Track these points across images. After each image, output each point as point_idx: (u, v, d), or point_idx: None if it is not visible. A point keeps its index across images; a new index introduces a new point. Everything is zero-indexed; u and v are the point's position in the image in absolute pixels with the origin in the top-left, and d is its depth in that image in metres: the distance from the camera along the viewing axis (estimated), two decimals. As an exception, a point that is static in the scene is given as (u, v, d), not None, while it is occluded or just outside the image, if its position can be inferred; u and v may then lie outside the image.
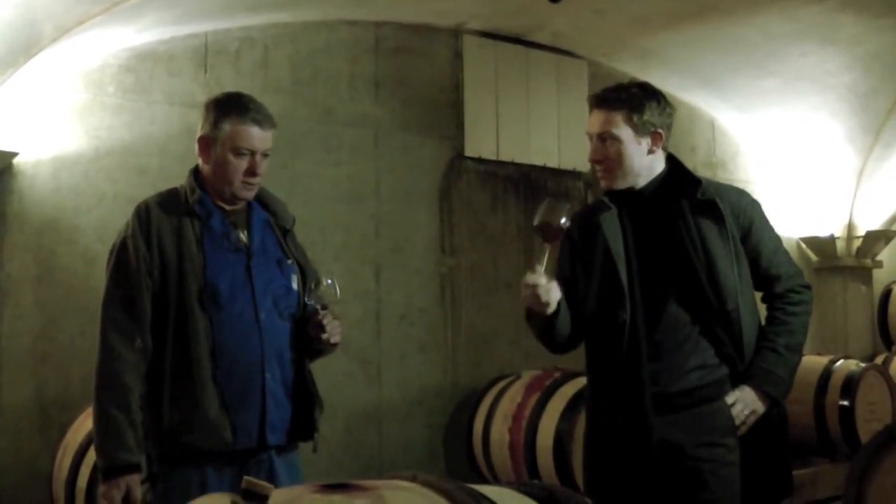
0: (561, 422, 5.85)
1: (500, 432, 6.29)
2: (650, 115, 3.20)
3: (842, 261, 10.00)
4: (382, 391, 6.89)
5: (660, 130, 3.23)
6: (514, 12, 7.36)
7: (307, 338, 3.29)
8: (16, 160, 5.58)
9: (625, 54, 8.34)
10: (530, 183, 7.99)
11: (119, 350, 3.06)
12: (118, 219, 5.82)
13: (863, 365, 7.74)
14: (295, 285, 3.30)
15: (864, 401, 7.49)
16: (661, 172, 3.30)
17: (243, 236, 3.25)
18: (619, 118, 3.18)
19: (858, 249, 9.99)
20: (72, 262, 5.82)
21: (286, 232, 3.39)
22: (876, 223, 10.00)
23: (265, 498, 1.61)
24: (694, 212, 3.18)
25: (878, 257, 10.23)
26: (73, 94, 5.86)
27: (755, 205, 3.33)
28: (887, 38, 7.88)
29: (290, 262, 3.32)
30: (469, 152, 7.62)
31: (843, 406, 7.49)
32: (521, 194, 7.93)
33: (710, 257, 3.13)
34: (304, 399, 3.29)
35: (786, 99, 8.86)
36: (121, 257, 3.17)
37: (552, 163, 8.05)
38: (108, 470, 2.99)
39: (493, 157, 7.75)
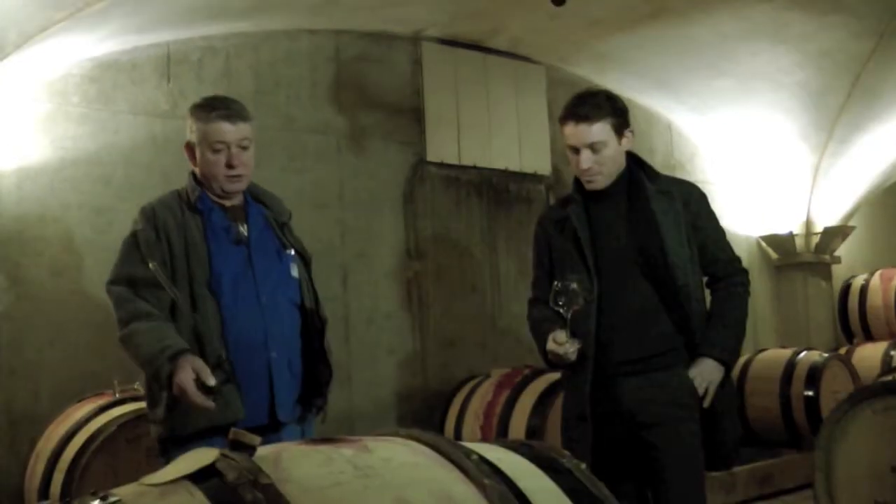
0: (532, 417, 5.89)
1: (472, 430, 6.32)
2: (622, 115, 3.52)
3: (801, 257, 10.18)
4: (353, 395, 6.90)
5: (630, 128, 3.55)
6: (471, 17, 7.44)
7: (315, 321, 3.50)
8: (-21, 171, 5.57)
9: (581, 58, 8.44)
10: (493, 186, 8.07)
11: (130, 297, 3.22)
12: (84, 229, 5.91)
13: (826, 355, 7.85)
14: (295, 273, 3.49)
15: (828, 390, 7.59)
16: (623, 169, 3.58)
17: (243, 230, 3.44)
18: (606, 127, 3.45)
19: (817, 245, 10.17)
20: (38, 274, 5.80)
21: (283, 224, 3.58)
22: (833, 219, 10.17)
23: (252, 448, 1.65)
24: (651, 200, 3.48)
25: (836, 253, 10.42)
26: (36, 103, 5.85)
27: (703, 197, 3.64)
28: (836, 35, 8.04)
29: (288, 251, 3.52)
30: (431, 157, 7.70)
31: (808, 396, 7.59)
32: (484, 198, 8.00)
33: (664, 240, 3.43)
34: (314, 376, 3.47)
35: (740, 99, 9.00)
36: (132, 244, 3.32)
37: (513, 166, 8.14)
38: (172, 356, 3.05)
39: (456, 162, 7.83)
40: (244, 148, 3.40)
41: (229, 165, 3.36)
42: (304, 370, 3.46)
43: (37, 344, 5.75)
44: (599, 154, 3.45)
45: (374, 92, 7.49)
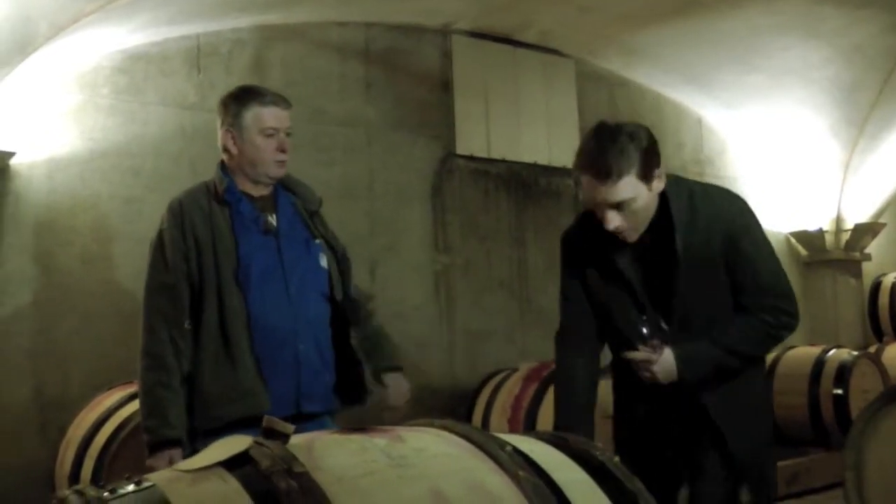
0: (559, 411, 5.86)
1: (499, 424, 6.31)
2: (649, 156, 2.96)
3: (831, 254, 10.06)
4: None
5: (659, 166, 3.00)
6: (500, 10, 7.43)
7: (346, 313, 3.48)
8: (11, 161, 5.61)
9: (610, 52, 8.40)
10: (521, 180, 8.05)
11: (162, 333, 3.24)
12: (114, 219, 5.95)
13: (855, 353, 7.78)
14: (324, 263, 3.46)
15: (857, 389, 7.52)
16: (656, 211, 3.08)
17: (272, 220, 3.42)
18: (632, 180, 2.91)
19: (847, 243, 10.06)
20: (68, 263, 5.85)
21: (313, 213, 3.56)
22: (863, 216, 10.06)
23: (286, 437, 1.64)
24: (677, 240, 3.04)
25: (867, 250, 10.30)
26: (67, 95, 5.90)
27: (743, 228, 3.12)
28: (868, 29, 7.96)
29: (317, 241, 3.48)
30: (460, 150, 7.69)
31: (836, 395, 7.53)
32: (513, 191, 7.99)
33: (690, 286, 3.05)
34: (349, 366, 3.45)
35: (771, 94, 8.93)
36: (158, 249, 3.34)
37: (542, 160, 8.12)
38: (154, 445, 3.16)
39: (484, 155, 7.82)
40: (288, 135, 3.44)
41: (281, 150, 3.38)
42: (339, 361, 3.44)
43: (67, 332, 5.80)
44: (628, 210, 2.95)
45: (403, 84, 7.49)
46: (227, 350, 3.22)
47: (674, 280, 3.06)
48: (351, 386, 3.46)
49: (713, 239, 3.06)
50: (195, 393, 3.24)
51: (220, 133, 3.44)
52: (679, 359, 3.05)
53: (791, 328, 3.16)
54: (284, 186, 3.53)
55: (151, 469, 3.06)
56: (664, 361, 3.05)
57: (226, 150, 3.43)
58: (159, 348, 3.22)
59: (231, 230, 3.31)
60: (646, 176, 2.93)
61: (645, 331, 3.10)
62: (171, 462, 3.07)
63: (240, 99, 3.41)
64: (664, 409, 3.21)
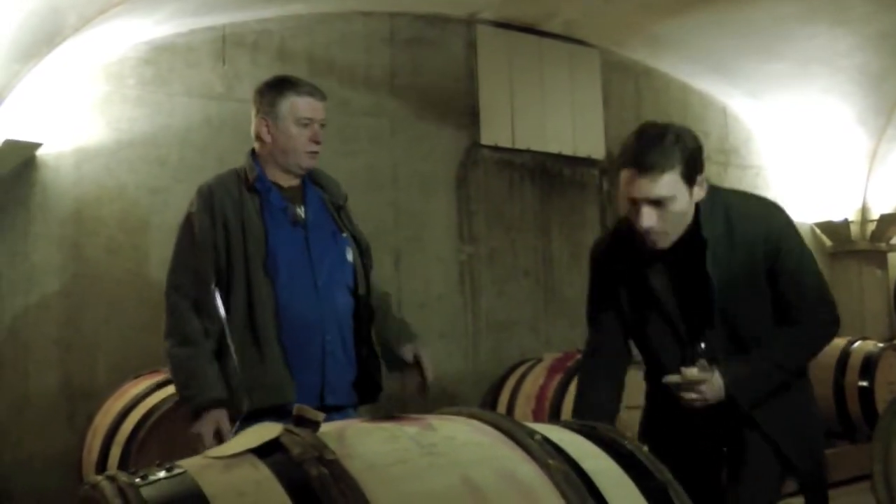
0: (584, 401, 5.85)
1: (524, 414, 6.31)
2: (697, 160, 2.86)
3: (856, 245, 9.99)
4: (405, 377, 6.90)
5: (702, 172, 2.89)
6: (525, 0, 7.41)
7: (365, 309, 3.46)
8: (38, 152, 5.65)
9: (636, 42, 8.37)
10: (546, 170, 8.03)
11: (187, 314, 3.25)
12: (140, 209, 5.99)
13: (881, 345, 7.73)
14: (350, 257, 3.45)
15: (883, 381, 7.47)
16: (691, 224, 2.98)
17: (300, 211, 3.41)
18: (675, 178, 2.81)
19: (873, 233, 9.98)
20: (95, 253, 5.89)
21: (339, 207, 3.53)
22: (890, 206, 9.97)
23: (316, 424, 1.65)
24: (715, 255, 2.94)
25: (893, 240, 10.21)
26: (94, 86, 5.93)
27: (781, 230, 3.02)
28: (896, 17, 7.89)
29: (344, 235, 3.47)
30: (485, 140, 7.68)
31: (862, 387, 7.49)
32: (538, 182, 7.98)
33: (730, 304, 2.96)
34: (368, 363, 3.44)
35: (796, 83, 8.87)
36: (186, 232, 3.35)
37: (567, 150, 8.10)
38: (196, 410, 3.15)
39: (509, 146, 7.80)
40: (323, 126, 3.44)
41: (315, 141, 3.38)
42: (359, 356, 3.43)
43: (93, 321, 5.85)
44: (666, 210, 2.83)
45: (428, 75, 7.49)
46: (255, 339, 3.22)
47: (710, 302, 2.94)
48: (367, 382, 3.44)
49: (754, 255, 2.94)
50: (223, 379, 3.23)
51: (253, 121, 3.44)
52: (727, 377, 2.92)
53: (835, 335, 3.10)
54: (311, 179, 3.52)
55: (197, 436, 3.11)
56: (714, 381, 2.90)
57: (259, 138, 3.42)
58: (184, 328, 3.23)
59: (261, 219, 3.30)
60: (689, 178, 2.83)
61: (695, 352, 2.96)
62: (217, 423, 3.10)
63: (276, 87, 3.41)
64: (706, 421, 3.09)
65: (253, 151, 3.46)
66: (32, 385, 5.62)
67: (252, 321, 3.23)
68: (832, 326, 3.06)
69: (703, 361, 2.91)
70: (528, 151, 7.91)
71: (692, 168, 2.82)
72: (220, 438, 3.07)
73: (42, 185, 5.73)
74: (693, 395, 2.91)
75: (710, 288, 2.91)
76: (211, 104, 6.35)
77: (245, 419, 3.15)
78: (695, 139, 2.89)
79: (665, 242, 2.92)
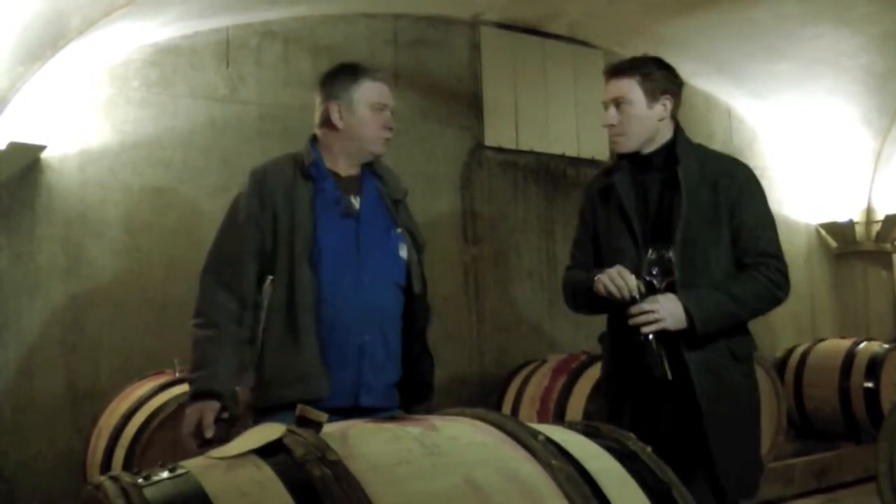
0: (589, 403, 5.84)
1: (528, 415, 6.30)
2: (660, 79, 3.34)
3: (861, 246, 9.98)
4: (408, 379, 6.91)
5: (669, 96, 3.34)
6: (529, 1, 7.42)
7: (420, 307, 3.40)
8: (43, 154, 5.66)
9: (639, 42, 8.33)
10: (550, 171, 8.04)
11: (218, 296, 3.21)
12: (144, 211, 6.00)
13: (886, 346, 7.71)
14: (403, 254, 3.34)
15: (888, 382, 7.46)
16: (668, 141, 3.38)
17: (355, 202, 3.33)
18: (632, 83, 3.30)
19: (878, 234, 9.96)
20: (99, 255, 5.89)
21: (397, 202, 3.44)
22: (895, 207, 9.95)
23: (319, 425, 1.65)
24: (682, 173, 3.25)
25: (898, 241, 10.21)
26: (98, 88, 5.94)
27: (749, 179, 3.36)
28: (900, 17, 7.87)
29: (398, 230, 3.37)
30: (489, 142, 7.68)
31: (867, 388, 7.48)
32: (542, 183, 7.98)
33: (681, 216, 3.21)
34: (418, 363, 3.36)
35: (801, 83, 8.86)
36: (232, 212, 3.32)
37: (571, 151, 8.10)
38: (193, 394, 3.15)
39: (513, 147, 7.81)
40: (392, 114, 3.43)
41: (388, 127, 3.37)
42: (406, 357, 3.33)
43: (97, 323, 5.85)
44: (624, 111, 3.31)
45: (432, 76, 7.49)
46: (292, 330, 3.14)
47: (677, 212, 3.22)
48: (415, 384, 3.35)
49: (720, 193, 3.26)
50: (258, 370, 3.20)
51: (320, 106, 3.38)
52: (688, 302, 3.11)
53: (786, 294, 3.31)
54: (371, 171, 3.43)
55: (190, 416, 3.12)
56: (672, 306, 3.10)
57: (326, 123, 3.36)
58: (212, 309, 3.19)
59: (311, 207, 3.23)
60: (649, 90, 3.31)
61: (651, 255, 3.12)
62: (200, 415, 3.08)
63: (350, 72, 3.38)
64: (655, 403, 3.24)
65: (314, 137, 3.41)
66: (37, 386, 5.62)
67: (291, 312, 3.15)
68: (786, 284, 3.30)
69: (656, 276, 3.10)
70: (531, 152, 7.92)
71: (653, 82, 3.31)
72: (199, 432, 3.07)
73: (47, 187, 5.73)
74: (654, 318, 3.08)
75: (678, 201, 3.22)
76: (215, 106, 6.35)
77: (278, 410, 3.07)
78: (666, 67, 3.38)
79: (625, 145, 3.38)
